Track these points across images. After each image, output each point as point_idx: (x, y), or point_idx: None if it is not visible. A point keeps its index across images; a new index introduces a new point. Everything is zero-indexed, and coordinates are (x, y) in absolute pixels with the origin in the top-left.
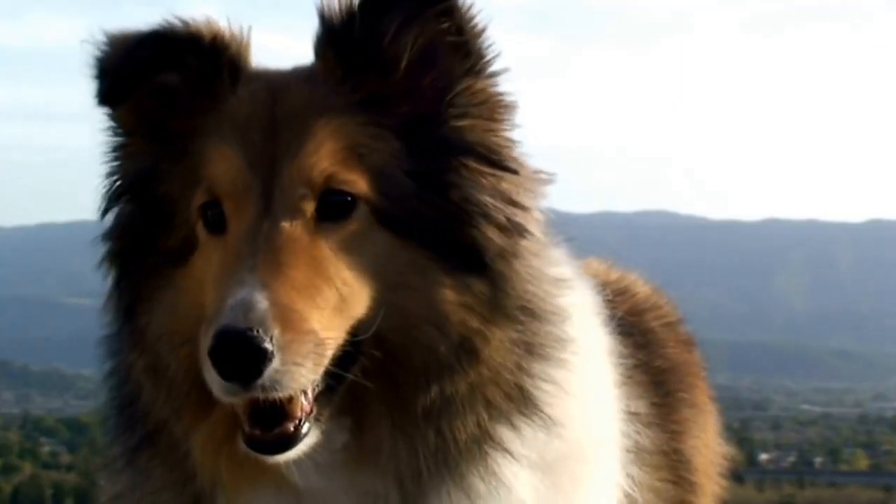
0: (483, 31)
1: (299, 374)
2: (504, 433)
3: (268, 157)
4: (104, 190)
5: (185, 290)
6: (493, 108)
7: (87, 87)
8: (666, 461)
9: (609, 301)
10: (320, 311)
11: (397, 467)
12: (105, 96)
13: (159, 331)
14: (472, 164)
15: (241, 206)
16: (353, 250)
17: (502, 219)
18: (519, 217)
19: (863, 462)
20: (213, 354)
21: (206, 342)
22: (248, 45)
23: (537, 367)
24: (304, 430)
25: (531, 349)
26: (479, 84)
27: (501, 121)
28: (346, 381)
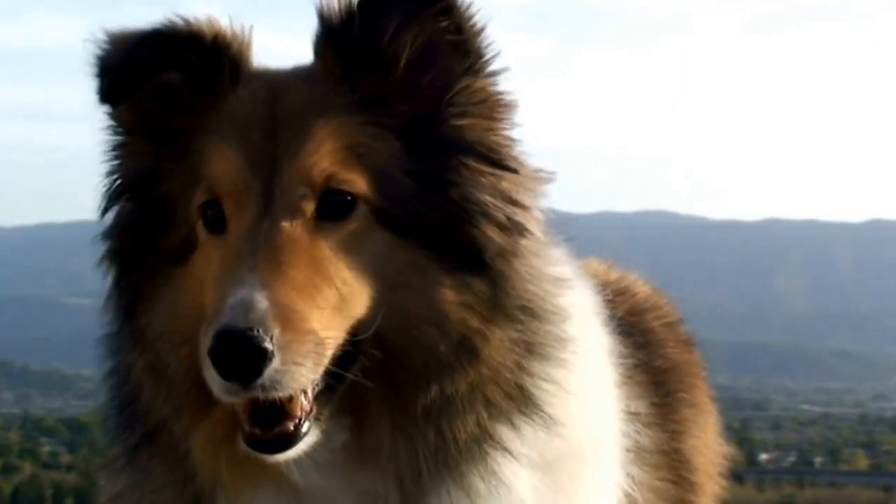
0: (482, 30)
1: (299, 373)
2: (504, 432)
3: (268, 156)
4: (104, 189)
5: (185, 290)
6: (493, 107)
7: (87, 87)
8: (666, 461)
9: (609, 301)
10: (320, 311)
11: (397, 467)
12: (106, 95)
13: (159, 330)
14: (472, 163)
15: (241, 205)
16: (352, 250)
17: (502, 217)
18: (519, 216)
19: (863, 462)
20: (213, 354)
21: (206, 342)
22: (249, 45)
23: (537, 366)
24: (304, 429)
25: (531, 348)
26: (479, 83)
27: (501, 120)
28: (346, 381)
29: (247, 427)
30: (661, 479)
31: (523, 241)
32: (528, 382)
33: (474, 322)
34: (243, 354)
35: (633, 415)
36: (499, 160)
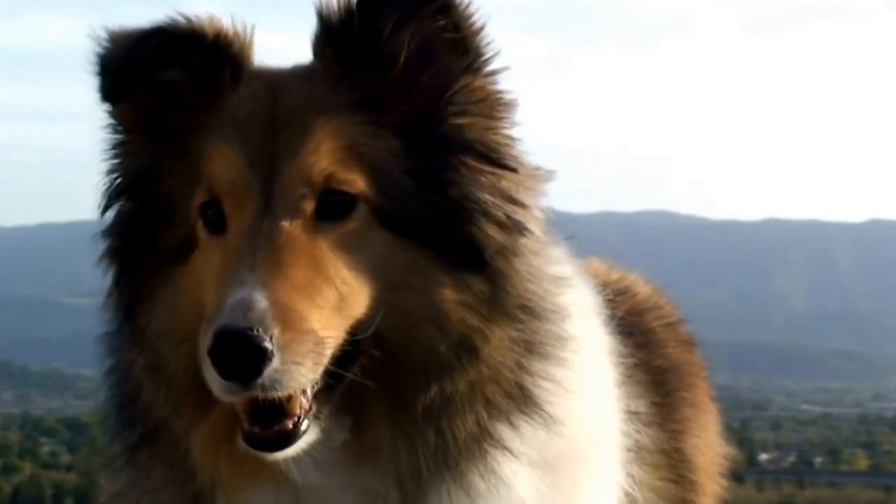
0: (481, 28)
1: (299, 373)
2: (504, 431)
3: (268, 156)
4: (104, 187)
5: (185, 289)
6: (492, 106)
7: (87, 87)
8: (666, 460)
9: (610, 301)
10: (320, 311)
11: (397, 466)
12: (107, 93)
13: (159, 329)
14: (472, 161)
15: (240, 205)
16: (352, 250)
17: (502, 216)
18: (518, 215)
19: (863, 462)
20: (213, 354)
21: (205, 341)
22: (250, 44)
23: (537, 365)
24: (303, 427)
25: (531, 347)
26: (478, 82)
27: (501, 118)
28: (345, 380)
29: (246, 425)
30: (662, 478)
31: (523, 240)
32: (528, 381)
33: (474, 321)
34: (243, 354)
35: (633, 414)
36: (498, 159)
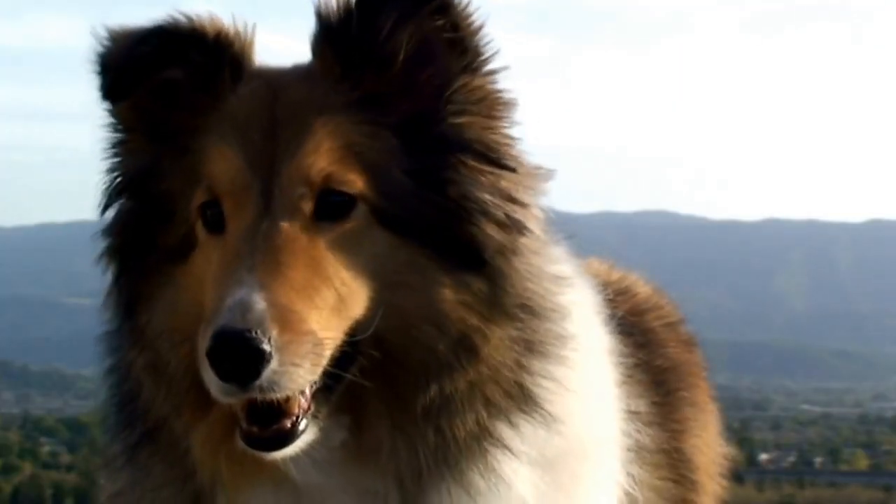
0: (480, 28)
1: (297, 374)
2: (504, 430)
3: (267, 156)
4: (104, 186)
5: (185, 288)
6: (492, 106)
7: (87, 86)
8: (667, 460)
9: (610, 301)
10: (319, 312)
11: (397, 466)
12: (109, 91)
13: (159, 328)
14: (471, 161)
15: (240, 205)
16: (351, 250)
17: (501, 215)
18: (518, 214)
19: (863, 462)
20: (211, 355)
21: (203, 342)
22: (251, 43)
23: (537, 364)
24: (302, 426)
25: (531, 346)
26: (477, 81)
27: (500, 118)
28: (344, 380)
29: (244, 425)
30: (662, 477)
31: (522, 239)
32: (527, 380)
33: (473, 321)
34: (241, 356)
35: (633, 414)
36: (497, 159)
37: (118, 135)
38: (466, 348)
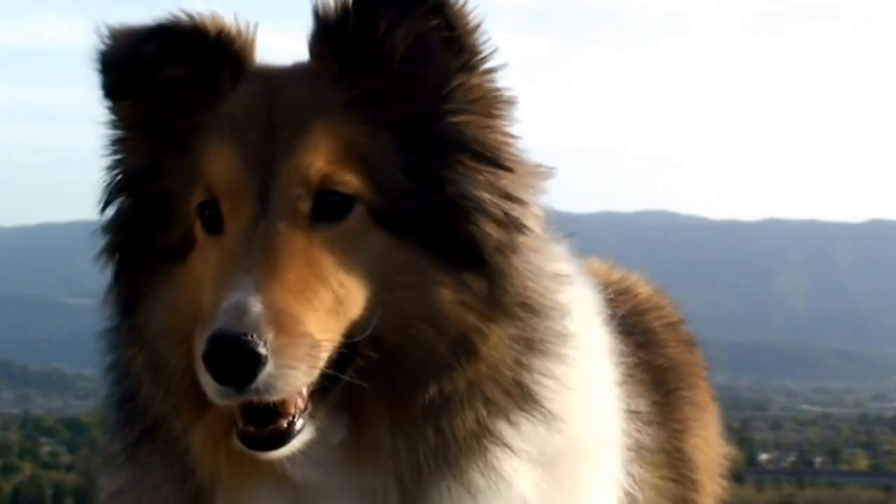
0: (476, 27)
1: (294, 377)
2: (504, 428)
3: (265, 157)
4: (104, 183)
5: (183, 288)
6: (490, 104)
7: (87, 86)
8: (667, 459)
9: (611, 301)
10: (316, 314)
11: (397, 465)
12: (110, 90)
13: (158, 327)
14: (468, 160)
15: (237, 206)
16: (349, 250)
17: (499, 213)
18: (517, 212)
19: (863, 462)
20: (207, 359)
21: (200, 346)
22: (252, 42)
23: (537, 362)
24: (298, 426)
25: (531, 345)
26: (475, 80)
27: (498, 116)
28: (342, 381)
29: (241, 424)
30: (663, 477)
31: (521, 238)
32: (527, 378)
33: (472, 320)
34: (236, 359)
35: (634, 413)
36: (494, 158)
37: (119, 132)
38: (465, 348)
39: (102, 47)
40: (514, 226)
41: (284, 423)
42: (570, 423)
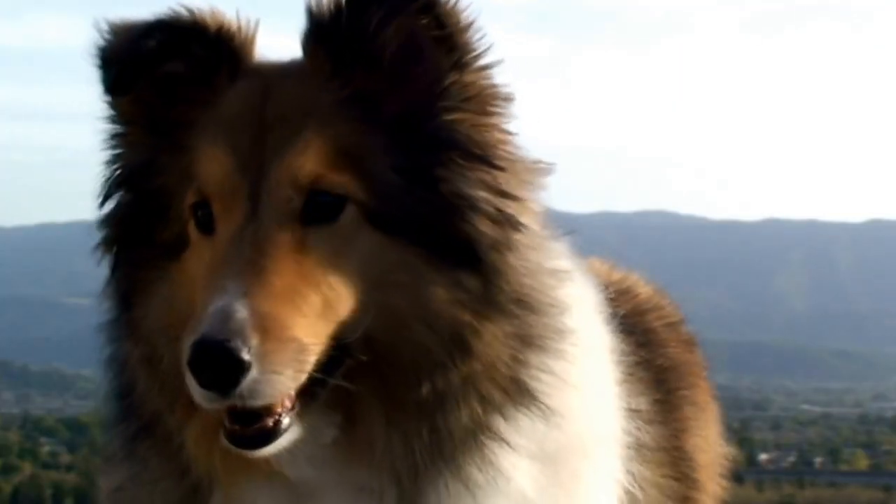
0: (469, 25)
1: (279, 382)
2: (500, 424)
3: (256, 158)
4: (104, 178)
5: (179, 285)
6: (484, 102)
7: (87, 87)
8: (668, 457)
9: (611, 300)
10: (304, 317)
11: (392, 462)
12: (111, 85)
13: (154, 324)
14: (461, 159)
15: (228, 208)
16: (341, 252)
17: (494, 211)
18: (511, 209)
19: (863, 462)
20: (191, 364)
21: (185, 351)
22: (252, 39)
23: (535, 358)
24: (285, 424)
25: (528, 341)
26: (468, 77)
27: (493, 114)
28: (332, 382)
29: (227, 423)
30: (664, 475)
31: (517, 235)
32: (524, 375)
33: (466, 318)
34: (220, 365)
35: (634, 411)
36: (487, 157)
37: (118, 128)
38: (459, 346)
39: (102, 43)
40: (509, 223)
41: (270, 422)
42: (569, 420)
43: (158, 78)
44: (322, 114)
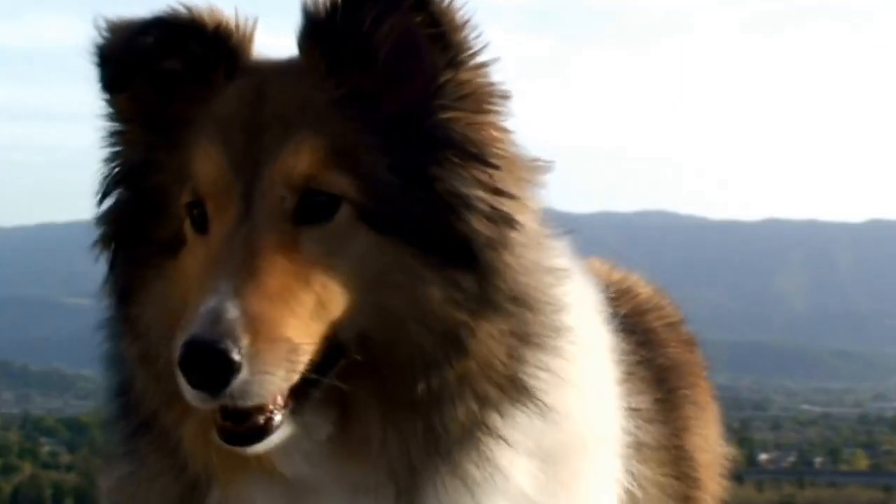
0: (464, 23)
1: (270, 382)
2: (497, 421)
3: (250, 157)
4: (102, 176)
5: (175, 283)
6: (480, 100)
7: (87, 87)
8: (669, 456)
9: (612, 300)
10: (296, 317)
11: (388, 459)
12: (108, 83)
13: (150, 321)
14: (456, 157)
15: (222, 208)
16: (335, 251)
17: (489, 209)
18: (506, 207)
19: (863, 462)
20: (181, 365)
21: (175, 351)
22: (250, 37)
23: (532, 355)
24: (277, 421)
25: (525, 339)
26: (463, 75)
27: (488, 112)
28: (327, 380)
29: (219, 420)
30: (665, 474)
31: (513, 233)
32: (521, 372)
33: (461, 316)
34: (210, 366)
35: (634, 410)
36: (482, 155)
37: (117, 125)
38: (454, 344)
39: (100, 40)
40: (504, 221)
41: (261, 419)
42: (568, 418)
43: (156, 75)
44: (317, 113)
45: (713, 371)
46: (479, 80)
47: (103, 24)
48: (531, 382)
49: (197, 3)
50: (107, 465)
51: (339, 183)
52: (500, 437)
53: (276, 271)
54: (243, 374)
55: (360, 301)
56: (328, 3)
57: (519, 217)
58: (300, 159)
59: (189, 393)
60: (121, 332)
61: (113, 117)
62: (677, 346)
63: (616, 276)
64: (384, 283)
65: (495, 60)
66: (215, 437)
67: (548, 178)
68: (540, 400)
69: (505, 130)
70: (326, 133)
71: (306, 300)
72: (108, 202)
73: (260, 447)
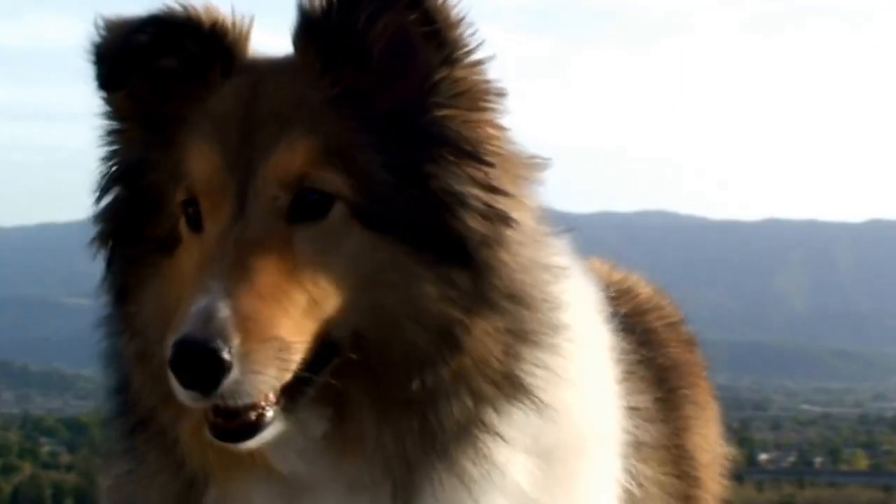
0: (459, 21)
1: (261, 381)
2: (493, 418)
3: (244, 156)
4: (100, 174)
5: (171, 281)
6: (475, 98)
7: (87, 86)
8: (669, 456)
9: (612, 300)
10: (288, 316)
11: (384, 456)
12: (104, 81)
13: (147, 319)
14: (451, 155)
15: (216, 206)
16: (329, 250)
17: (483, 207)
18: (502, 204)
19: (863, 462)
20: (172, 365)
21: (166, 351)
22: (247, 36)
23: (528, 353)
24: (268, 418)
25: (521, 336)
26: (458, 73)
27: (484, 109)
28: (320, 379)
29: (210, 416)
30: (666, 473)
31: (508, 231)
32: (517, 369)
33: (456, 315)
34: (200, 366)
35: (635, 410)
36: (476, 153)
37: (114, 124)
38: (448, 342)
39: (96, 39)
40: (499, 219)
41: (253, 416)
42: (566, 416)
43: (152, 73)
44: (311, 111)
45: (713, 371)
46: (474, 77)
47: (100, 23)
48: (528, 380)
49: (193, 1)
50: (106, 464)
51: (333, 181)
52: (496, 434)
53: (269, 270)
54: (234, 374)
55: (354, 299)
56: (323, 2)
57: (515, 214)
58: (294, 158)
59: (181, 392)
60: (118, 330)
61: (110, 116)
62: (677, 346)
63: (616, 276)
64: (378, 282)
65: (490, 58)
66: (207, 433)
67: (547, 177)
68: (537, 397)
69: (500, 128)
70: (320, 131)
71: (299, 299)
72: (106, 200)
73: (252, 443)
